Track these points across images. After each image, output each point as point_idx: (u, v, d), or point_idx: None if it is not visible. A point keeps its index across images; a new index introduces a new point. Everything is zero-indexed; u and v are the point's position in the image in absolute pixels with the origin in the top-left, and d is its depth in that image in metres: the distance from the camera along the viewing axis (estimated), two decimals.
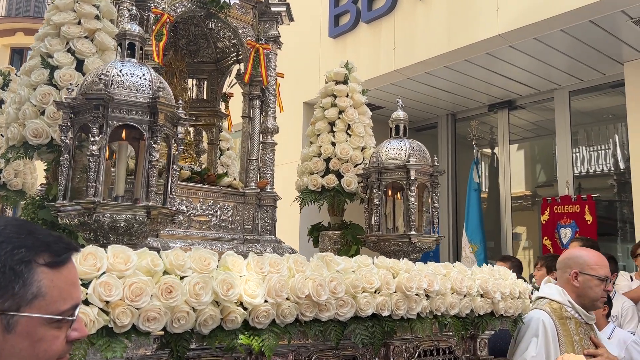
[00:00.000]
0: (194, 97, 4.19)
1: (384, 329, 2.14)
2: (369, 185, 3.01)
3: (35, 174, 4.79)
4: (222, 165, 4.70)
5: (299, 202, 3.46)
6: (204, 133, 4.25)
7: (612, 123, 6.56)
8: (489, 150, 7.96)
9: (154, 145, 1.90)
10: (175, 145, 2.11)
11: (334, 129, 3.41)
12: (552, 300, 2.86)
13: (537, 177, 7.56)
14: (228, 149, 4.89)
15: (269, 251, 3.25)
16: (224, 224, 3.32)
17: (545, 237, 6.37)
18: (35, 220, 2.48)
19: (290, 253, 3.31)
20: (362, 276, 2.10)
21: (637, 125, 5.60)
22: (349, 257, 3.23)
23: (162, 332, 1.55)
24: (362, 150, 3.43)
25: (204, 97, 4.22)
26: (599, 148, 6.58)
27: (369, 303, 2.06)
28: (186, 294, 1.56)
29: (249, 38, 3.60)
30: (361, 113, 3.48)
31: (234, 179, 3.40)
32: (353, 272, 2.12)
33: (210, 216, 3.25)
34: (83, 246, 1.41)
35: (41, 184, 2.85)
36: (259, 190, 3.45)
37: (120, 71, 1.94)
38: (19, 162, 4.04)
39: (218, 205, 3.30)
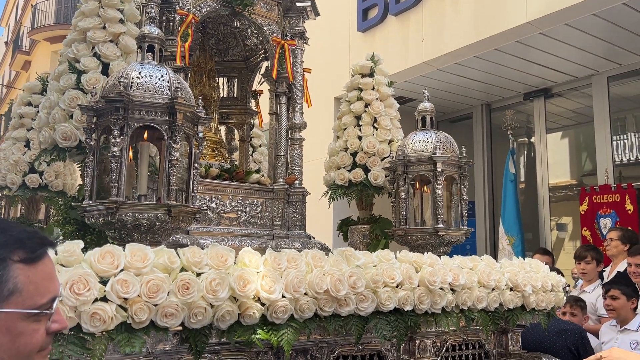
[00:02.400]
0: (224, 96, 4.25)
1: (407, 324, 2.12)
2: (396, 179, 2.99)
3: (75, 175, 4.96)
4: (254, 162, 4.75)
5: (327, 197, 3.46)
6: (235, 131, 4.31)
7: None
8: (525, 140, 7.77)
9: (173, 145, 1.94)
10: (196, 144, 2.14)
11: (360, 123, 3.39)
12: None
13: (576, 166, 7.33)
14: (260, 146, 4.94)
15: (297, 246, 3.27)
16: (253, 220, 3.35)
17: (585, 228, 6.19)
18: (68, 221, 2.57)
19: (319, 248, 3.33)
20: (384, 271, 2.08)
21: None
22: (375, 250, 3.23)
23: (181, 328, 1.58)
24: (389, 143, 3.41)
25: (235, 95, 4.27)
26: (632, 133, 6.33)
27: (390, 298, 2.05)
28: (203, 290, 1.59)
29: (275, 34, 3.61)
30: (387, 106, 3.45)
31: (263, 175, 3.43)
32: (374, 266, 2.11)
33: (239, 212, 3.29)
34: (60, 241, 1.45)
35: (78, 185, 2.95)
36: (287, 186, 3.47)
37: (140, 73, 1.98)
38: (59, 164, 4.18)
39: (247, 202, 3.34)
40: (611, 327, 4.04)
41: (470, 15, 5.59)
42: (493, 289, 2.45)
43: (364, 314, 1.99)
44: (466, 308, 2.34)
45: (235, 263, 1.75)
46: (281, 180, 3.44)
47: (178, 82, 2.01)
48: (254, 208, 3.34)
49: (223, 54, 4.25)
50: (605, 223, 5.99)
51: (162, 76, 2.00)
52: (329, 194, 3.46)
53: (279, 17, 3.65)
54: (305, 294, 1.83)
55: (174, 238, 2.84)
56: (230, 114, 4.26)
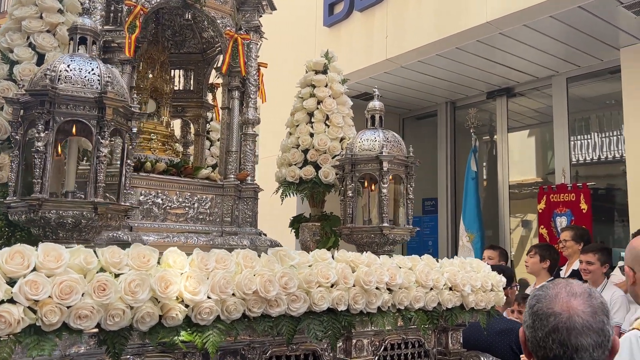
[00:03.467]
0: (181, 89, 4.18)
1: (340, 324, 2.12)
2: (344, 177, 2.98)
3: None
4: (212, 156, 4.71)
5: (279, 194, 3.44)
6: (191, 125, 4.25)
7: (610, 110, 6.44)
8: (488, 138, 7.87)
9: (101, 141, 1.89)
10: (129, 140, 2.10)
11: (313, 120, 3.37)
12: None
13: (536, 165, 7.46)
14: (218, 140, 4.88)
15: (246, 243, 3.24)
16: (201, 217, 3.31)
17: (542, 226, 6.31)
18: None
19: (269, 245, 3.32)
20: (318, 271, 2.08)
21: (632, 111, 5.49)
22: (327, 249, 3.23)
23: (97, 330, 1.54)
24: (340, 141, 3.40)
25: (191, 88, 4.21)
26: (597, 135, 6.47)
27: (323, 298, 2.04)
28: (121, 292, 1.56)
29: (228, 28, 3.56)
30: (340, 103, 3.44)
31: (212, 171, 3.39)
32: (309, 266, 2.10)
33: (187, 209, 3.25)
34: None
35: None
36: (238, 182, 3.44)
37: (69, 66, 1.92)
38: (3, 156, 4.06)
39: (195, 198, 3.29)
40: None
41: (432, 14, 5.62)
42: (431, 289, 2.46)
43: (296, 314, 1.98)
44: (403, 307, 2.35)
45: (159, 263, 1.72)
46: (232, 176, 3.41)
47: (109, 76, 1.96)
48: (203, 204, 3.30)
49: (180, 46, 4.18)
50: (561, 222, 6.11)
51: (92, 69, 1.95)
52: (280, 191, 3.43)
53: (233, 11, 3.60)
54: (233, 294, 1.81)
55: (115, 235, 2.79)
56: (186, 107, 4.20)
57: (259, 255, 1.99)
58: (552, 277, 4.96)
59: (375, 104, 3.10)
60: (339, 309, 2.10)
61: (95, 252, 1.59)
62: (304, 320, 2.02)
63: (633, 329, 2.08)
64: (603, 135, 6.42)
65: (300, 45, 7.32)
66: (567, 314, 1.40)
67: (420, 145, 8.56)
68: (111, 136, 2.12)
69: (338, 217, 3.48)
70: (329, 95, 3.38)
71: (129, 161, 2.08)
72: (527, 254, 5.08)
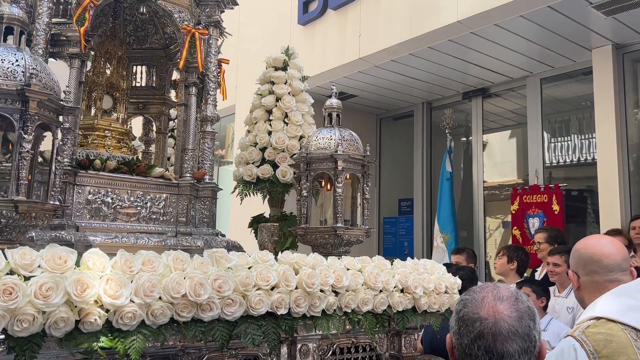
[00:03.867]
0: (143, 85, 4.08)
1: (281, 328, 2.05)
2: (299, 176, 2.91)
3: None
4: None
5: (236, 194, 3.36)
6: (154, 122, 4.15)
7: (584, 112, 6.43)
8: (464, 139, 7.84)
9: (24, 136, 1.80)
10: (60, 135, 2.00)
11: (271, 117, 3.29)
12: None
13: (510, 166, 7.44)
14: None
15: (199, 244, 3.16)
16: (155, 216, 3.22)
17: (515, 227, 6.28)
18: None
19: (225, 246, 3.23)
20: (258, 273, 2.00)
21: (604, 113, 5.48)
22: (284, 250, 3.15)
23: (3, 336, 1.45)
24: (300, 140, 3.32)
25: (153, 85, 4.11)
26: (571, 137, 6.46)
27: (262, 301, 1.96)
28: (30, 295, 1.47)
29: (185, 22, 3.48)
30: (300, 101, 3.36)
31: (167, 169, 3.30)
32: (249, 268, 2.03)
33: (139, 208, 3.16)
34: None
35: None
36: (195, 181, 3.35)
37: None
38: None
39: (148, 197, 3.20)
40: None
41: (405, 13, 5.57)
42: (381, 291, 2.40)
43: (232, 318, 1.90)
44: (350, 310, 2.28)
45: (78, 265, 1.63)
46: (188, 175, 3.32)
47: (35, 68, 1.87)
48: (156, 204, 3.21)
49: (142, 41, 4.09)
50: (534, 223, 6.09)
51: (16, 60, 1.85)
52: (236, 190, 3.35)
53: (191, 5, 3.51)
54: (160, 298, 1.73)
55: (59, 235, 2.69)
56: (147, 104, 4.10)
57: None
58: (521, 279, 4.93)
59: (333, 101, 3.03)
60: (279, 313, 2.02)
61: (4, 253, 1.50)
62: (240, 325, 1.93)
63: (568, 335, 2.02)
64: (577, 137, 6.41)
65: (275, 43, 7.22)
66: (493, 319, 1.35)
67: (397, 146, 8.57)
68: (43, 131, 2.03)
69: (296, 217, 3.41)
70: (288, 93, 3.30)
71: (58, 158, 1.98)
72: (496, 256, 5.05)
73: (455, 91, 7.35)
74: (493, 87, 7.02)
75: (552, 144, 6.51)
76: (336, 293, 2.25)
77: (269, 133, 3.25)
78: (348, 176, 2.97)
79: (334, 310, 2.23)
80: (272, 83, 3.37)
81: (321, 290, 2.16)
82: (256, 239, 3.56)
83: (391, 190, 8.43)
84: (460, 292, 3.75)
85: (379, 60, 6.06)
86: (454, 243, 6.80)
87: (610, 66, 5.49)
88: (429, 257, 7.13)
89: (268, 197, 3.37)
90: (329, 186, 2.94)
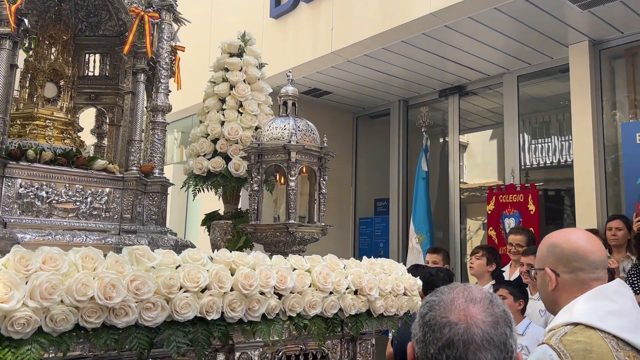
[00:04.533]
0: (96, 74, 3.84)
1: (212, 334, 1.82)
2: (250, 169, 2.69)
3: None
4: None
5: (186, 189, 3.13)
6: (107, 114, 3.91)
7: (562, 110, 6.30)
8: (440, 138, 7.68)
9: None
10: None
11: (224, 107, 3.07)
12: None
13: (487, 165, 7.30)
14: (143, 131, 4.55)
15: (143, 242, 2.92)
16: (96, 212, 2.98)
17: (491, 228, 6.13)
18: None
19: (172, 245, 3.00)
20: (186, 273, 1.77)
21: (580, 111, 5.35)
22: (238, 249, 2.93)
23: None
24: (255, 131, 3.10)
25: (107, 74, 3.87)
26: (548, 136, 6.33)
27: (188, 305, 1.74)
28: None
29: (135, 5, 3.25)
30: (256, 89, 3.14)
31: (111, 162, 3.06)
32: (177, 268, 1.80)
33: (78, 203, 2.91)
34: None
35: None
36: (142, 175, 3.12)
37: None
38: None
39: (89, 192, 2.96)
40: None
41: (377, 5, 5.38)
42: (332, 293, 2.19)
43: (153, 324, 1.68)
44: (295, 315, 2.06)
45: None
46: (134, 168, 3.08)
47: None
48: (98, 199, 2.96)
49: (95, 28, 3.85)
50: (510, 223, 5.93)
51: None
52: (185, 185, 3.12)
53: None
54: (62, 301, 1.50)
55: None
56: (100, 95, 3.85)
57: None
58: (494, 281, 4.77)
59: (289, 89, 2.82)
60: (209, 318, 1.80)
61: None
62: (163, 331, 1.71)
63: (543, 343, 1.82)
64: (554, 137, 6.28)
65: None
66: (465, 325, 1.14)
67: (374, 145, 8.38)
68: None
69: None
70: (244, 80, 3.08)
71: None
72: (471, 255, 4.86)
73: (431, 89, 7.19)
74: (470, 84, 6.87)
75: (529, 144, 6.37)
76: (280, 296, 2.03)
77: (222, 123, 3.02)
78: (305, 169, 2.76)
79: (277, 314, 2.02)
80: (226, 70, 3.14)
81: (261, 293, 1.95)
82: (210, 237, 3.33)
83: (367, 190, 8.25)
84: None
85: (352, 54, 5.87)
86: (429, 244, 6.62)
87: (586, 63, 5.36)
88: (405, 258, 6.95)
89: (222, 192, 3.14)
90: (282, 180, 2.72)
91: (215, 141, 3.02)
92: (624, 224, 4.55)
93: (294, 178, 2.55)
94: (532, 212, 5.68)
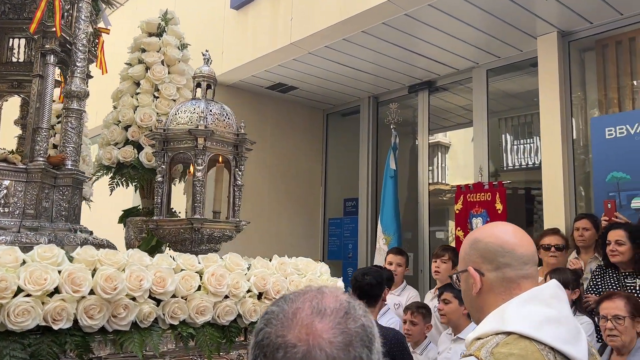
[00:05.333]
0: (20, 60, 3.54)
1: (61, 346, 1.53)
2: (156, 158, 2.40)
3: None
4: (54, 145, 4.05)
5: (93, 181, 2.83)
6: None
7: (531, 105, 6.06)
8: (410, 135, 7.42)
9: None
10: None
11: (138, 91, 2.78)
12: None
13: (457, 164, 7.05)
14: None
15: (43, 241, 2.61)
16: None
17: (458, 228, 5.86)
18: None
19: (77, 244, 2.69)
20: (28, 274, 1.48)
21: (549, 104, 5.11)
22: (150, 249, 2.63)
23: None
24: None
25: (32, 60, 3.56)
26: (521, 133, 6.09)
27: (27, 312, 1.45)
28: None
29: None
30: (176, 72, 2.85)
31: (11, 152, 2.76)
32: (20, 266, 1.51)
33: None
34: None
35: None
36: (50, 166, 2.81)
37: None
38: None
39: None
40: (447, 335, 3.64)
41: None
42: (227, 297, 1.90)
43: None
44: (178, 322, 1.77)
45: None
46: (41, 158, 2.78)
47: None
48: None
49: (19, 10, 3.54)
50: (477, 223, 5.67)
51: None
52: (93, 177, 2.82)
53: None
54: None
55: None
56: (23, 82, 3.54)
57: None
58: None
59: (204, 68, 2.53)
60: (57, 327, 1.51)
61: None
62: None
63: (470, 355, 1.54)
64: (523, 132, 6.04)
65: (209, 29, 6.73)
66: (306, 347, 0.86)
67: (344, 143, 8.10)
68: None
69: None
70: (161, 62, 2.79)
71: None
72: (435, 258, 4.57)
73: (401, 84, 6.93)
74: (440, 79, 6.61)
75: (499, 140, 6.12)
76: (159, 301, 1.74)
77: (136, 109, 2.73)
78: (221, 159, 2.47)
79: (154, 322, 1.72)
80: (144, 51, 2.85)
81: (133, 298, 1.65)
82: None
83: (337, 190, 7.97)
84: None
85: (312, 46, 5.59)
86: (397, 245, 6.34)
87: (555, 55, 5.12)
88: (372, 260, 6.68)
89: (139, 185, 2.84)
90: (192, 170, 2.43)
91: (127, 128, 2.72)
92: (591, 224, 4.30)
93: (201, 167, 2.27)
94: (499, 212, 5.42)
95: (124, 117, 2.71)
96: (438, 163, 8.28)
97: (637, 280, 3.51)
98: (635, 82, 4.97)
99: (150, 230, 2.76)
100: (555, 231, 4.39)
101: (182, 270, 1.84)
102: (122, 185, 2.86)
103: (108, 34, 3.33)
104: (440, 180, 8.28)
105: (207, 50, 2.59)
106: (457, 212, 5.92)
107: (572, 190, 4.99)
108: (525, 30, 5.20)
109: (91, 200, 3.92)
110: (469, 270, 1.66)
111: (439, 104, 7.10)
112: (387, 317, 4.00)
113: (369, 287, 3.11)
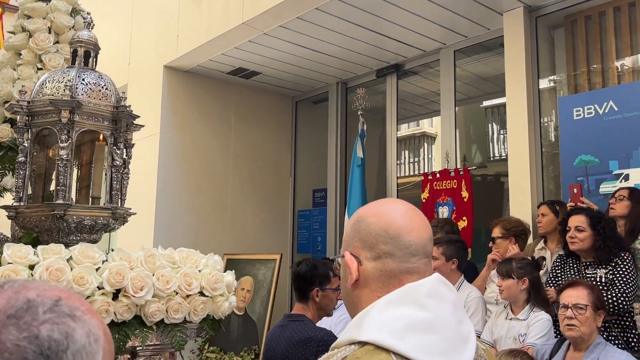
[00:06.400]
0: None
1: None
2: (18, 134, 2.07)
3: None
4: None
5: None
6: None
7: (499, 87, 5.73)
8: (379, 122, 7.09)
9: None
10: None
11: (20, 61, 2.45)
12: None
13: (427, 152, 6.73)
14: None
15: None
16: None
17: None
18: None
19: None
20: None
21: (515, 84, 4.78)
22: (30, 242, 2.30)
23: None
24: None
25: None
26: (485, 116, 5.76)
27: None
28: None
29: None
30: (65, 41, 2.52)
31: None
32: None
33: None
34: None
35: None
36: None
37: None
38: None
39: None
40: None
41: None
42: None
43: None
44: None
45: None
46: None
47: None
48: None
49: None
50: (443, 212, 5.36)
51: None
52: None
53: None
54: None
55: None
56: None
57: None
58: None
59: (82, 34, 2.20)
60: None
61: None
62: None
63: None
64: (490, 116, 5.72)
65: (168, 14, 6.39)
66: None
67: (315, 132, 7.76)
68: None
69: None
70: (48, 29, 2.46)
71: None
72: None
73: (369, 68, 6.60)
74: (407, 62, 6.28)
75: (466, 124, 5.80)
76: None
77: (15, 82, 2.40)
78: (102, 137, 2.15)
79: None
80: (29, 17, 2.52)
81: None
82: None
83: (307, 181, 7.64)
84: None
85: (266, 25, 5.25)
86: None
87: (521, 32, 4.79)
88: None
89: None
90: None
91: (5, 104, 2.40)
92: (549, 210, 4.00)
93: (65, 144, 1.94)
94: (465, 199, 5.11)
95: (1, 91, 2.39)
96: (424, 154, 7.96)
97: (598, 270, 3.20)
98: (605, 61, 4.65)
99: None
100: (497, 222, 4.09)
101: (9, 263, 1.52)
102: (7, 171, 2.53)
103: (7, 4, 3.00)
104: (416, 172, 7.97)
105: (88, 13, 2.26)
106: (424, 201, 5.61)
107: (539, 175, 4.68)
108: (491, 6, 4.88)
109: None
110: (345, 257, 1.32)
111: (410, 89, 6.78)
112: (339, 313, 3.69)
113: (296, 277, 2.80)
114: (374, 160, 6.81)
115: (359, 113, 6.42)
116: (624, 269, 3.05)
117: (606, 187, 4.17)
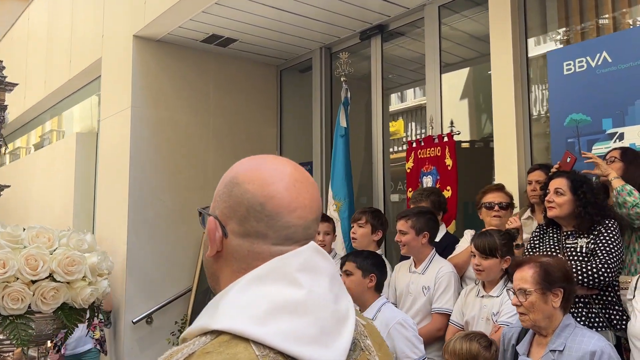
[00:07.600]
0: None
1: None
2: None
3: None
4: None
5: None
6: None
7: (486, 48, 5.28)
8: (365, 89, 6.67)
9: None
10: None
11: None
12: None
13: (414, 119, 6.31)
14: None
15: None
16: None
17: (409, 189, 5.16)
18: None
19: None
20: None
21: (500, 37, 4.34)
22: None
23: None
24: None
25: None
26: (470, 78, 5.32)
27: None
28: None
29: None
30: None
31: None
32: None
33: None
34: None
35: None
36: None
37: None
38: None
39: None
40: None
41: None
42: None
43: None
44: None
45: None
46: None
47: None
48: None
49: None
50: (427, 182, 4.98)
51: None
52: None
53: None
54: None
55: None
56: None
57: None
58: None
59: None
60: None
61: None
62: None
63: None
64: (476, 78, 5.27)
65: None
66: None
67: (302, 103, 7.36)
68: None
69: None
70: None
71: None
72: (352, 222, 3.92)
73: (352, 30, 6.17)
74: (392, 22, 5.83)
75: (452, 88, 5.37)
76: None
77: None
78: None
79: None
80: None
81: None
82: None
83: (295, 155, 7.27)
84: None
85: None
86: (348, 211, 5.66)
87: None
88: None
89: None
90: None
91: None
92: (546, 176, 3.57)
93: None
94: (449, 167, 4.71)
95: None
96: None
97: (579, 240, 2.81)
98: (600, 13, 4.18)
99: None
100: (499, 187, 3.70)
101: None
102: None
103: None
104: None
105: None
106: (408, 170, 5.24)
107: (527, 138, 4.26)
108: None
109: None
110: (208, 220, 1.00)
111: (397, 52, 6.34)
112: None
113: None
114: (359, 130, 6.42)
115: (342, 79, 6.02)
116: (607, 238, 2.66)
117: (599, 148, 3.74)
